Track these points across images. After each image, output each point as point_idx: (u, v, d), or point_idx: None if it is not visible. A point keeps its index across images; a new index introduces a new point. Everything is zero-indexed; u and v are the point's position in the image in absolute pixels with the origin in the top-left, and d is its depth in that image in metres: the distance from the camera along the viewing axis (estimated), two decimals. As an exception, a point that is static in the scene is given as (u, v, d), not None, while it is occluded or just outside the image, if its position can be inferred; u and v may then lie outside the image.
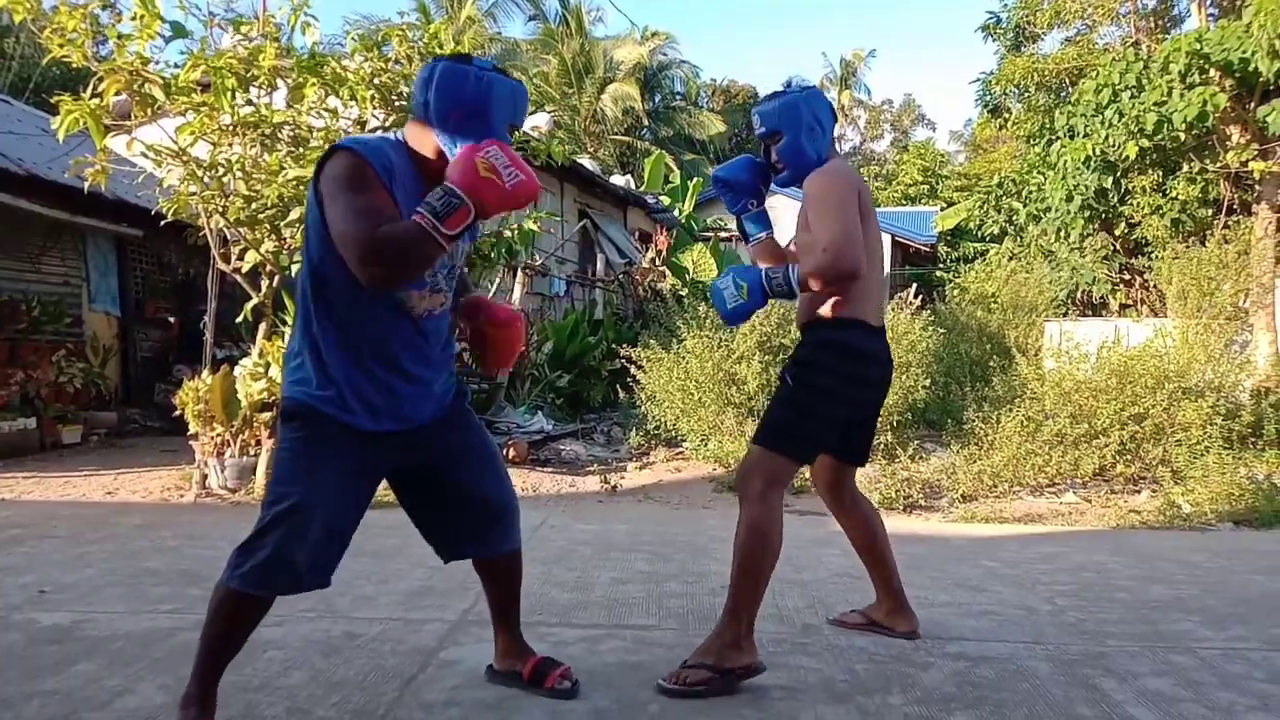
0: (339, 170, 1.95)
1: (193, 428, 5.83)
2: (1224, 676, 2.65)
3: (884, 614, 3.00)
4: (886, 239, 18.90)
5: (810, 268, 2.49)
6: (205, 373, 5.96)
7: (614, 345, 8.99)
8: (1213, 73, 9.75)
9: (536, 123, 13.31)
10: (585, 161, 15.55)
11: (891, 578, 2.97)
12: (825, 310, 2.65)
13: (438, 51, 5.97)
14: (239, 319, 5.85)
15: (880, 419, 6.73)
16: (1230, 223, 10.11)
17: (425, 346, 2.16)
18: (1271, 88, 9.45)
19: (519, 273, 9.82)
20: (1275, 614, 3.35)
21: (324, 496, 2.03)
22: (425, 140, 2.07)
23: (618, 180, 16.34)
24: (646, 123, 27.64)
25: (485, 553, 2.38)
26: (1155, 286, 10.16)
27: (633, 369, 7.75)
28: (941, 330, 8.33)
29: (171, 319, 10.07)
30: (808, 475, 6.47)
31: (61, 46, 5.04)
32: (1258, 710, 2.40)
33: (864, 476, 5.99)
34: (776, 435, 2.61)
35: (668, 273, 13.14)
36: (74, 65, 5.16)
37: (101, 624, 3.01)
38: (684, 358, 7.32)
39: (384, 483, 2.26)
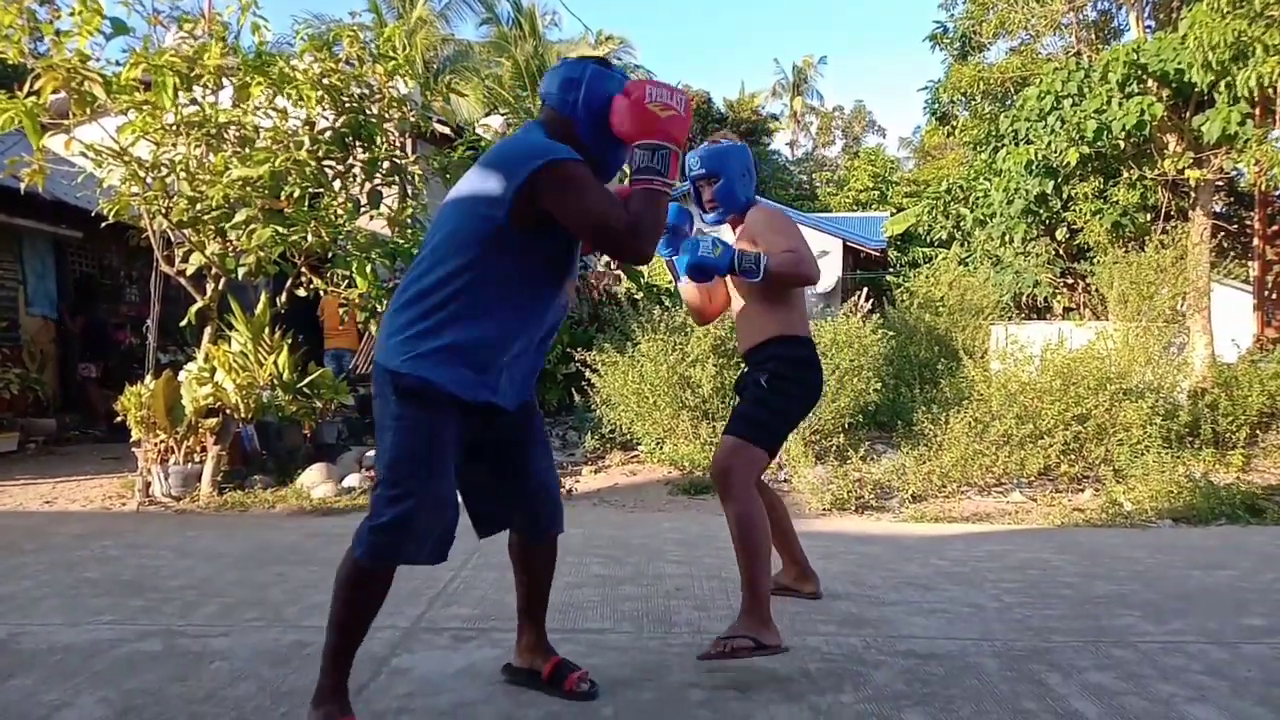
0: (574, 173, 2.06)
1: (135, 434, 5.69)
2: (1164, 669, 2.72)
3: (791, 579, 3.46)
4: (838, 244, 19.17)
5: (781, 264, 2.86)
6: (149, 377, 5.82)
7: (569, 349, 8.96)
8: (1150, 83, 10.05)
9: (490, 125, 13.24)
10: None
11: (796, 549, 3.45)
12: (784, 331, 3.03)
13: (390, 53, 5.91)
14: (182, 323, 5.72)
15: (832, 421, 6.88)
16: (1168, 228, 10.42)
17: (556, 329, 2.32)
18: (1206, 98, 9.76)
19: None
20: (1213, 608, 3.46)
21: (445, 483, 2.14)
22: (567, 134, 2.18)
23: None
24: (601, 126, 27.58)
25: (535, 533, 2.46)
26: (1096, 290, 10.43)
27: (588, 372, 7.73)
28: (891, 334, 8.45)
29: (74, 317, 9.61)
30: (761, 478, 6.54)
31: (-4, 42, 4.89)
32: (1196, 702, 2.47)
33: (817, 478, 6.06)
34: (756, 429, 2.93)
35: (623, 276, 13.13)
36: (9, 62, 5.01)
37: (39, 636, 2.92)
38: (639, 361, 7.33)
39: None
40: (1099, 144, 10.18)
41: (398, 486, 2.07)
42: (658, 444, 7.20)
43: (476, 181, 2.16)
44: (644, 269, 13.66)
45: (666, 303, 8.87)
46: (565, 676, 2.43)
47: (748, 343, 3.13)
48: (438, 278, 2.12)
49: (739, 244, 3.09)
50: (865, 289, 11.19)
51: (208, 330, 5.91)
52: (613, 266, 13.30)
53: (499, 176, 2.11)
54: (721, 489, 2.89)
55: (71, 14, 4.96)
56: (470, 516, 2.42)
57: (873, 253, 20.01)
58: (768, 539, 2.84)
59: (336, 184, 5.94)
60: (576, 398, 8.45)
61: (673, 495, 6.33)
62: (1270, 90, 8.67)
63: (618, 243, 2.06)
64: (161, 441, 5.66)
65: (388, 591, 2.17)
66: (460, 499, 2.34)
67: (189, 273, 5.70)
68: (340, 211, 5.87)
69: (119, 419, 5.81)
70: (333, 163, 5.88)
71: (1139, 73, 9.92)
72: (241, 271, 5.60)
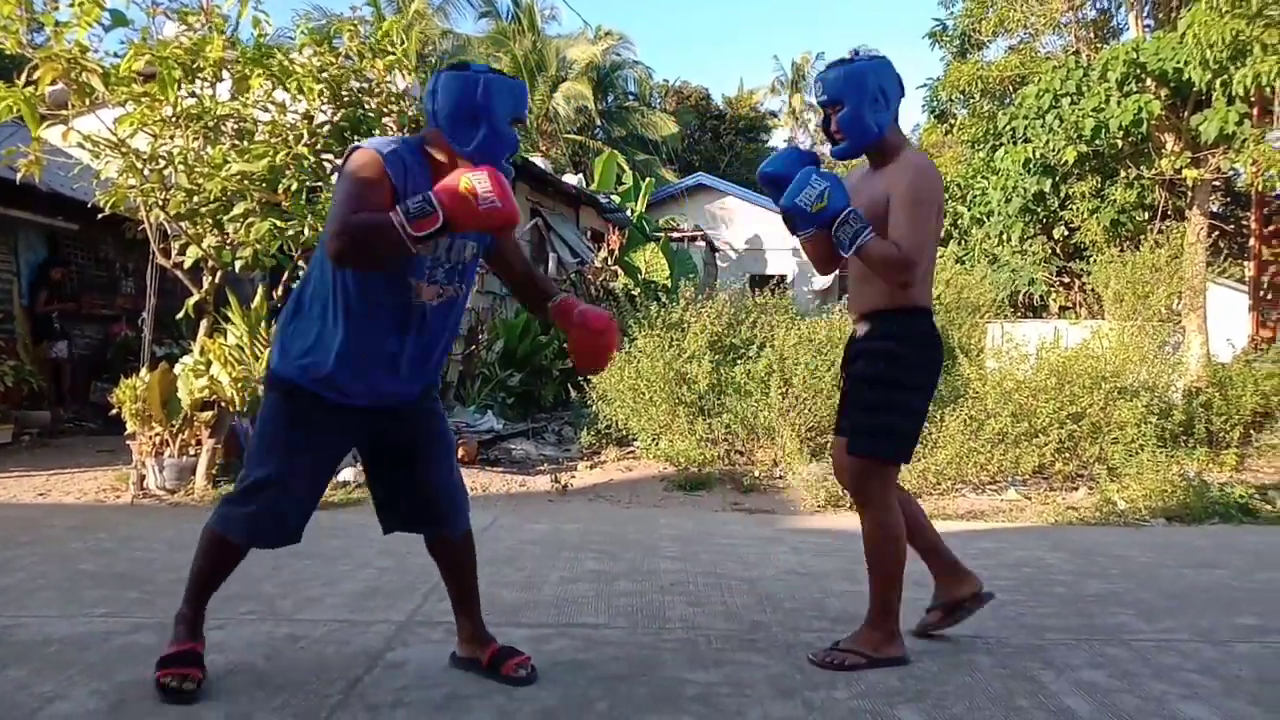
0: (352, 163, 2.19)
1: (130, 427, 5.68)
2: (1156, 668, 2.73)
3: (946, 593, 2.94)
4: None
5: (881, 254, 2.47)
6: (144, 370, 5.81)
7: (565, 344, 8.97)
8: (1149, 81, 10.06)
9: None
10: (537, 160, 15.45)
11: (939, 552, 2.94)
12: (898, 301, 2.61)
13: (389, 47, 5.90)
14: (179, 315, 5.71)
15: (828, 418, 6.87)
16: (1164, 228, 10.44)
17: (428, 333, 2.36)
18: (1204, 97, 9.77)
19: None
20: (1205, 607, 3.47)
21: (304, 471, 2.32)
22: (440, 145, 2.27)
23: (570, 179, 16.28)
24: (599, 122, 27.58)
25: (440, 532, 2.53)
26: (1092, 289, 10.45)
27: (584, 368, 7.72)
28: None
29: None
30: (757, 474, 6.55)
31: (-6, 32, 4.87)
32: (1188, 699, 2.48)
33: (811, 475, 6.05)
34: (887, 442, 2.65)
35: (620, 272, 13.15)
36: (8, 52, 4.99)
37: (33, 628, 2.92)
38: (635, 357, 7.33)
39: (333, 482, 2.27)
40: (1097, 143, 10.20)
41: (247, 468, 2.34)
42: (653, 440, 7.20)
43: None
44: (641, 264, 13.69)
45: (663, 298, 8.87)
46: (503, 662, 2.51)
47: (856, 307, 2.76)
48: (311, 283, 2.32)
49: (874, 187, 2.62)
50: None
51: (204, 323, 5.90)
52: (609, 262, 13.32)
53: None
54: (860, 505, 2.74)
55: (71, 4, 4.94)
56: (376, 514, 2.55)
57: (870, 250, 19.99)
58: (904, 555, 2.69)
59: (335, 178, 5.93)
60: (572, 393, 8.45)
61: (668, 491, 6.34)
62: (1268, 90, 8.69)
63: (325, 234, 2.12)
64: (156, 434, 5.65)
65: (241, 558, 2.42)
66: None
67: (186, 265, 5.69)
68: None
69: (114, 411, 5.79)
70: (331, 157, 5.87)
71: (1138, 71, 9.93)
72: (238, 265, 5.58)
